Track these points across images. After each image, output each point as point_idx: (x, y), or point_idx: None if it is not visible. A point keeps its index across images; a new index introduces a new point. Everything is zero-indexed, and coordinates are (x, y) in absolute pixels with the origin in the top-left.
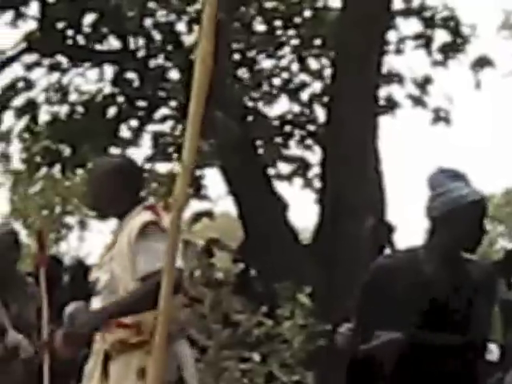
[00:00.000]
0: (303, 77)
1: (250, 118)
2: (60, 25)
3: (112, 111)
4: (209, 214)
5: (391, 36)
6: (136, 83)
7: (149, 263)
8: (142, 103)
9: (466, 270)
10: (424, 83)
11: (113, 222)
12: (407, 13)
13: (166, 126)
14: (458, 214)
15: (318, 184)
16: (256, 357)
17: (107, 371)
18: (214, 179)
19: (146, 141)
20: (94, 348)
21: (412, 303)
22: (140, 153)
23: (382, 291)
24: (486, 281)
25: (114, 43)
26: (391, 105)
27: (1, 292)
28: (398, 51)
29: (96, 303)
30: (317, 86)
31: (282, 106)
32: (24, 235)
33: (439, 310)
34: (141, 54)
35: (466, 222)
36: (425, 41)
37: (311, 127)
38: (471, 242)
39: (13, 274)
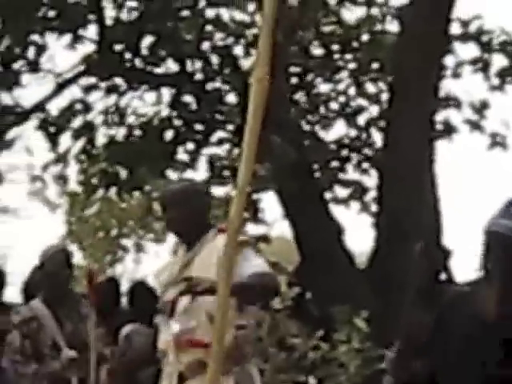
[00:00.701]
0: (360, 101)
1: (307, 142)
2: (118, 47)
3: (169, 134)
4: (265, 239)
5: (449, 60)
6: (193, 106)
7: (256, 267)
8: (198, 126)
9: None
10: (481, 108)
11: (169, 244)
12: (465, 37)
13: (223, 149)
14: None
15: (374, 208)
16: (312, 381)
17: None
18: (270, 203)
19: (203, 164)
20: (165, 370)
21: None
22: (196, 176)
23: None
24: None
25: (171, 66)
26: (448, 129)
27: (55, 310)
28: (456, 75)
29: (174, 326)
30: (374, 110)
31: (338, 129)
32: (80, 257)
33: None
34: (198, 76)
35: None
36: (482, 65)
37: (368, 151)
38: None
39: (66, 292)
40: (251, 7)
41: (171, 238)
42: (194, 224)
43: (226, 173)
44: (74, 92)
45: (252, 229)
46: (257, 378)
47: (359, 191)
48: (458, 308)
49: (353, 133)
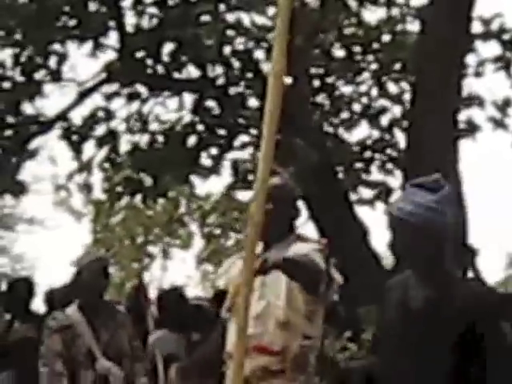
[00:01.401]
0: (383, 102)
1: (330, 144)
2: (139, 54)
3: (192, 139)
4: None
5: (471, 59)
6: (216, 111)
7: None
8: (221, 131)
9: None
10: (504, 105)
11: (195, 250)
12: (486, 36)
13: (246, 153)
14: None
15: None
16: None
17: None
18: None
19: (226, 168)
20: (229, 374)
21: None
22: (220, 181)
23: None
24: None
25: (193, 72)
26: (471, 128)
27: (90, 318)
28: (478, 74)
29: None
30: (397, 111)
31: (361, 131)
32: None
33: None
34: (220, 81)
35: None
36: (504, 63)
37: (392, 152)
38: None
39: (102, 301)
40: (271, 11)
41: (197, 244)
42: (283, 224)
43: (251, 177)
44: (96, 100)
45: None
46: None
47: (384, 192)
48: (388, 300)
49: (376, 134)
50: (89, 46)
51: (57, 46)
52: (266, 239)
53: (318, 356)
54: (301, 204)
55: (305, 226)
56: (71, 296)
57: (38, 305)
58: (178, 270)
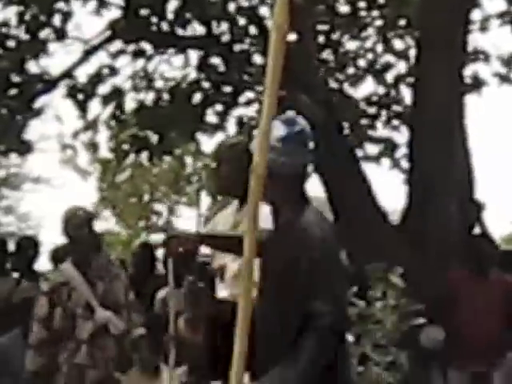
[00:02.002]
0: (388, 57)
1: (336, 101)
2: (144, 12)
3: (197, 97)
4: None
5: (476, 14)
6: (221, 68)
7: None
8: (227, 88)
9: None
10: (510, 60)
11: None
12: None
13: (251, 110)
14: None
15: (405, 164)
16: (349, 338)
17: None
18: None
19: (232, 125)
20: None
21: None
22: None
23: None
24: None
25: (198, 29)
26: (477, 83)
27: (85, 272)
28: (483, 29)
29: (222, 292)
30: (402, 67)
31: (367, 87)
32: (113, 223)
33: None
34: (225, 38)
35: None
36: (510, 18)
37: (397, 108)
38: None
39: (93, 253)
40: None
41: (204, 202)
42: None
43: (256, 133)
44: (101, 58)
45: None
46: None
47: (390, 148)
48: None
49: (381, 90)
50: (93, 3)
51: (61, 4)
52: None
53: None
54: None
55: (311, 182)
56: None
57: (44, 263)
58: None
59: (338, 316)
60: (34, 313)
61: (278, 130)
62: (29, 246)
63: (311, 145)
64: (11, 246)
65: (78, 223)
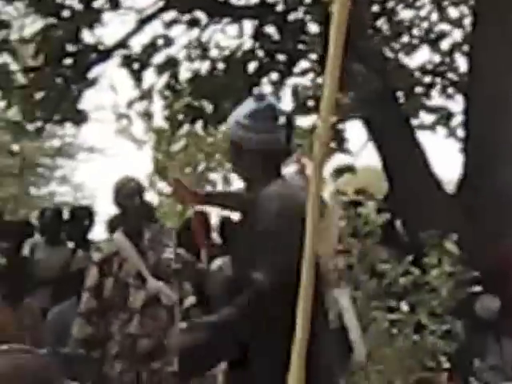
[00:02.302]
0: (443, 26)
1: (391, 70)
2: None
3: (252, 66)
4: (350, 168)
5: None
6: (276, 37)
7: None
8: (281, 57)
9: None
10: None
11: None
12: None
13: (306, 79)
14: None
15: (461, 133)
16: (404, 306)
17: None
18: (355, 132)
19: (287, 94)
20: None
21: None
22: (281, 107)
23: None
24: None
25: None
26: None
27: (136, 242)
28: None
29: None
30: (457, 35)
31: (422, 56)
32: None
33: None
34: (280, 7)
35: None
36: None
37: (453, 76)
38: None
39: (145, 222)
40: None
41: None
42: None
43: (311, 103)
44: (155, 28)
45: (338, 159)
46: (344, 303)
47: (445, 117)
48: None
49: (436, 58)
50: None
51: None
52: None
53: None
54: (362, 129)
55: (367, 152)
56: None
57: (99, 233)
58: None
59: (275, 286)
60: (85, 282)
61: (244, 107)
62: (83, 215)
63: (282, 120)
64: (66, 216)
65: (128, 193)
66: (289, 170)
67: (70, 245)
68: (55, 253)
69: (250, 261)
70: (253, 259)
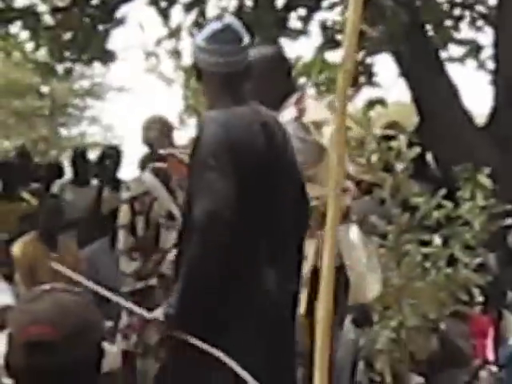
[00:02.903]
0: None
1: (419, 2)
2: None
3: (280, 1)
4: (381, 102)
5: None
6: None
7: None
8: None
9: None
10: None
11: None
12: None
13: (335, 14)
14: None
15: (491, 65)
16: (437, 240)
17: None
18: (386, 66)
19: (315, 29)
20: None
21: None
22: (309, 42)
23: None
24: None
25: None
26: None
27: (165, 181)
28: None
29: None
30: None
31: None
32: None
33: None
34: None
35: None
36: None
37: (482, 9)
38: None
39: None
40: None
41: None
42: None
43: (339, 37)
44: None
45: (368, 93)
46: (347, 240)
47: (474, 49)
48: None
49: None
50: None
51: None
52: None
53: None
54: (392, 62)
55: (397, 86)
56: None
57: (127, 173)
58: None
59: (215, 222)
60: (119, 221)
61: (203, 31)
62: (113, 155)
63: (245, 41)
64: (93, 156)
65: (157, 132)
66: (285, 115)
67: (97, 185)
68: (83, 193)
69: (191, 193)
70: (193, 192)
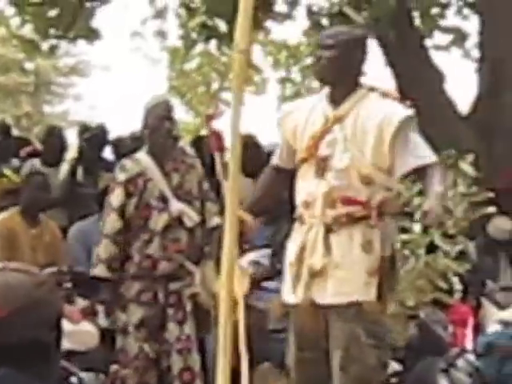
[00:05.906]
0: None
1: None
2: None
3: None
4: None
5: None
6: None
7: (421, 157)
8: None
9: None
10: None
11: (269, 96)
12: None
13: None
14: None
15: (476, 54)
16: (416, 227)
17: (329, 244)
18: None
19: (301, 14)
20: (308, 222)
21: None
22: (294, 26)
23: None
24: None
25: None
26: None
27: (161, 163)
28: None
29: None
30: None
31: None
32: (182, 112)
33: None
34: None
35: None
36: None
37: None
38: None
39: (170, 144)
40: None
41: (272, 91)
42: (350, 75)
43: (325, 21)
44: None
45: None
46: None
47: (460, 37)
48: None
49: None
50: None
51: None
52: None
53: None
54: (377, 50)
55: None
56: (139, 143)
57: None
58: (251, 116)
59: None
60: (109, 202)
61: None
62: (98, 134)
63: None
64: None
65: (159, 114)
66: None
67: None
68: (53, 174)
69: None
70: None
